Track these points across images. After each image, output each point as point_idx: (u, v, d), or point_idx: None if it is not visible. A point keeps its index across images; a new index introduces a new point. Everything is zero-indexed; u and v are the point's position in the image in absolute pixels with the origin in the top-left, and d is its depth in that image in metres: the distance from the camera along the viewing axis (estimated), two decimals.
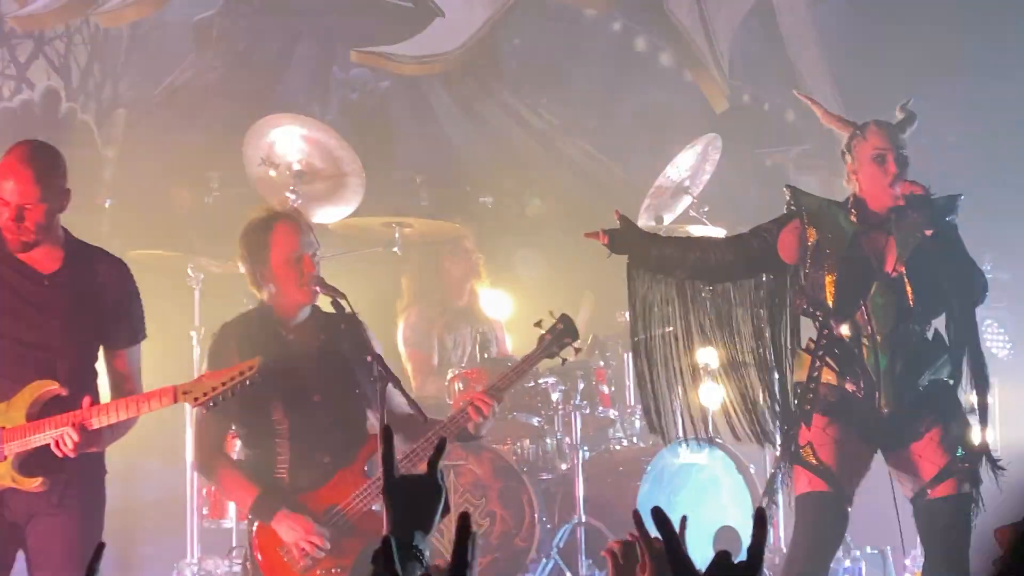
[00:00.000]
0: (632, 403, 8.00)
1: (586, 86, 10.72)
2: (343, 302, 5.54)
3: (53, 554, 4.94)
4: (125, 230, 8.53)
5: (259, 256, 5.74)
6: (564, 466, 7.70)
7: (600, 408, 7.81)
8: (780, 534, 7.55)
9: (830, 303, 5.54)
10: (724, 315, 5.78)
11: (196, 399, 4.94)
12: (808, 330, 5.72)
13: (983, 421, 5.55)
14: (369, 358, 5.50)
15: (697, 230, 8.10)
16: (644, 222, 7.94)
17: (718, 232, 7.69)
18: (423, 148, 10.40)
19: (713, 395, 6.13)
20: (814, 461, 5.49)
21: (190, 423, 6.93)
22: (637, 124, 10.57)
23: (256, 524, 5.63)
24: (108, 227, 8.57)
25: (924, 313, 5.56)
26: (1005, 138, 9.85)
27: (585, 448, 7.63)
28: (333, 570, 5.58)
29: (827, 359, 5.56)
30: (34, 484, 4.88)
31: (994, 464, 5.54)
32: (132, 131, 9.57)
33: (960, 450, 5.50)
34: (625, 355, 8.09)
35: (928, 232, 5.45)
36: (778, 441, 5.73)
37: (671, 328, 5.80)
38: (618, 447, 8.02)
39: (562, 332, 6.04)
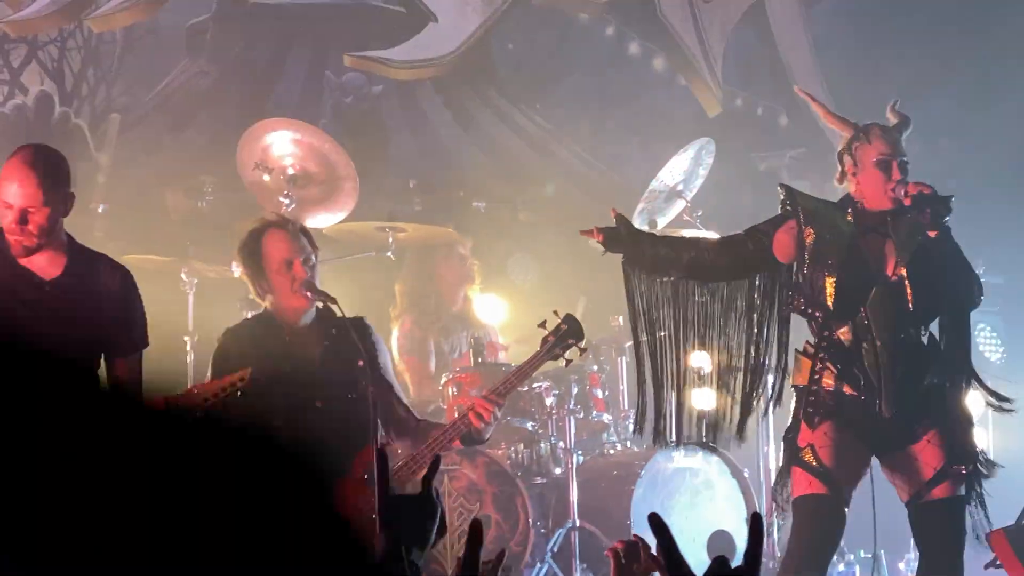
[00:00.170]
0: (626, 407, 8.01)
1: (579, 91, 10.72)
2: (334, 307, 5.54)
3: None
4: (118, 235, 8.52)
5: (255, 266, 5.78)
6: (558, 470, 7.70)
7: (594, 412, 7.81)
8: (775, 538, 7.55)
9: (830, 305, 5.55)
10: (719, 316, 5.78)
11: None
12: (803, 331, 5.72)
13: (978, 425, 5.57)
14: (361, 363, 5.50)
15: (691, 234, 8.10)
16: (637, 226, 7.94)
17: (712, 236, 7.69)
18: (417, 153, 10.40)
19: (707, 398, 6.12)
20: (814, 463, 5.49)
21: None
22: (630, 128, 10.58)
23: None
24: (102, 232, 8.55)
25: (923, 316, 5.56)
26: (999, 141, 9.86)
27: (579, 452, 7.63)
28: None
29: (827, 362, 5.56)
30: None
31: (987, 467, 5.56)
32: (125, 136, 9.56)
33: (955, 453, 5.51)
34: (619, 359, 8.11)
35: (932, 234, 5.45)
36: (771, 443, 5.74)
37: (664, 333, 5.80)
38: (612, 451, 8.02)
39: (566, 333, 5.96)
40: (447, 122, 10.51)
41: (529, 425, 7.68)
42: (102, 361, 5.10)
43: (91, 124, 9.54)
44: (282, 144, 8.03)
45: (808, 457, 5.51)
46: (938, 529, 5.50)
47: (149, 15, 9.60)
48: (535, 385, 7.60)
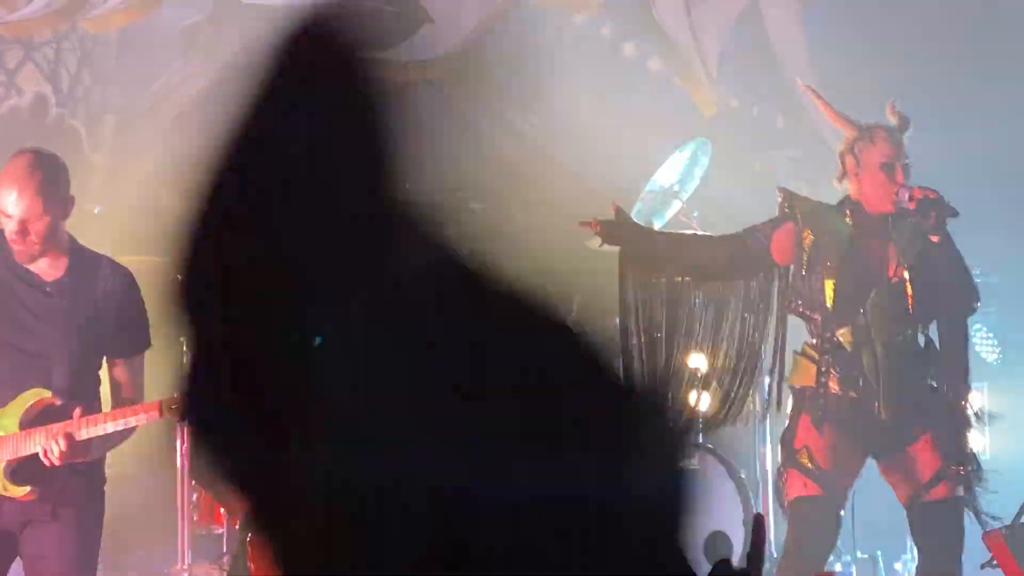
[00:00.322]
0: None
1: (575, 91, 10.72)
2: None
3: (50, 563, 4.93)
4: (114, 236, 8.50)
5: None
6: None
7: None
8: (771, 537, 7.54)
9: (829, 307, 5.54)
10: (715, 315, 5.77)
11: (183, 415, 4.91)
12: (799, 332, 5.72)
13: (976, 425, 5.57)
14: None
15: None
16: None
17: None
18: (412, 154, 10.38)
19: (703, 398, 6.12)
20: (810, 465, 5.49)
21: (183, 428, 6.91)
22: (626, 129, 10.57)
23: (250, 534, 5.61)
24: (97, 233, 8.52)
25: (923, 318, 5.56)
26: (995, 143, 9.86)
27: None
28: None
29: (826, 363, 5.56)
30: (23, 492, 4.87)
31: (983, 468, 5.57)
32: (121, 137, 9.55)
33: (953, 454, 5.51)
34: (614, 360, 8.09)
35: (934, 238, 5.44)
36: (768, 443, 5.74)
37: (659, 334, 5.79)
38: None
39: None
40: (442, 123, 10.49)
41: None
42: (103, 362, 5.09)
43: (86, 125, 9.53)
44: None
45: (804, 459, 5.51)
46: (936, 530, 5.50)
47: (144, 16, 9.59)
48: None
